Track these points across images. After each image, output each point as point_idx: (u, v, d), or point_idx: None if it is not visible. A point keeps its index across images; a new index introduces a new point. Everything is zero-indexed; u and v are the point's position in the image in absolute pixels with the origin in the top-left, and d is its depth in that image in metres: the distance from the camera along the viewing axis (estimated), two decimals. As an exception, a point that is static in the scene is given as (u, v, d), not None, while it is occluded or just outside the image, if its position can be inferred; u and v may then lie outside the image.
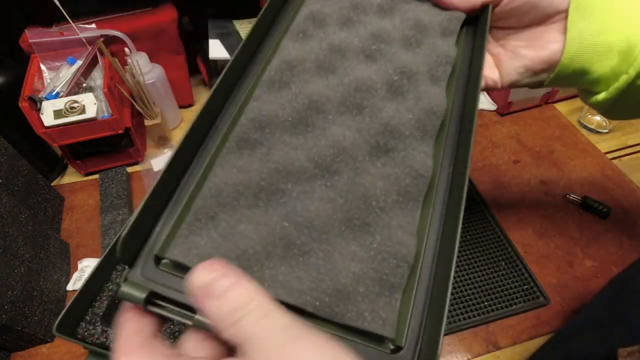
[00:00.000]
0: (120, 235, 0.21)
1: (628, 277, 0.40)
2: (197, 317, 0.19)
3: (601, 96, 0.33)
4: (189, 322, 0.20)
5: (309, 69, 0.32)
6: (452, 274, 0.22)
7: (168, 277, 0.22)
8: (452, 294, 0.57)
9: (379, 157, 0.29)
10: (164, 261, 0.22)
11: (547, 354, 0.46)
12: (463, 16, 0.37)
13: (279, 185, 0.26)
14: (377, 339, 0.22)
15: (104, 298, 0.36)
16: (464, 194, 0.25)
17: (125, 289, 0.20)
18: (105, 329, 0.34)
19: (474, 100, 0.30)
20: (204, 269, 0.17)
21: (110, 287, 0.37)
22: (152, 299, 0.21)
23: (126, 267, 0.22)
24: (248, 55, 0.33)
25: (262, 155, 0.27)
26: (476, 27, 0.38)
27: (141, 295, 0.20)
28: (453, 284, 0.58)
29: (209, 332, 0.18)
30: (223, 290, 0.17)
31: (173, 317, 0.20)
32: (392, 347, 0.22)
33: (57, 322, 0.32)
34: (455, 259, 0.23)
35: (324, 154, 0.28)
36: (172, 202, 0.25)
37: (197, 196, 0.25)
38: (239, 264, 0.22)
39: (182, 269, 0.22)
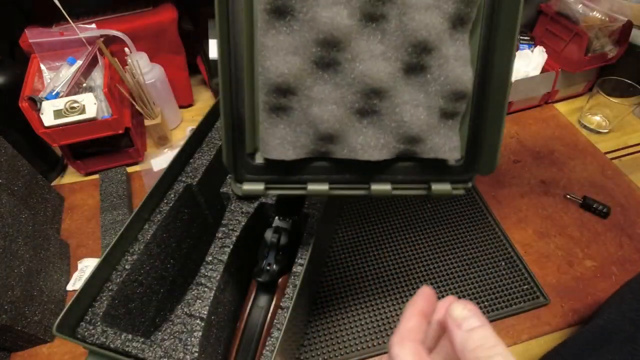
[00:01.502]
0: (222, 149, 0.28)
1: None
2: (309, 186, 0.29)
3: None
4: (303, 192, 0.29)
5: None
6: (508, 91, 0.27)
7: (265, 167, 0.28)
8: (452, 294, 0.57)
9: None
10: (257, 156, 0.29)
11: None
12: None
13: (331, 54, 0.27)
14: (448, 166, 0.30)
15: (104, 298, 0.36)
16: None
17: (246, 187, 0.28)
18: (105, 329, 0.34)
19: None
20: (461, 305, 0.21)
21: (111, 287, 0.37)
22: (272, 185, 0.28)
23: (234, 174, 0.29)
24: None
25: (302, 24, 0.26)
26: None
27: (260, 186, 0.28)
28: (453, 283, 0.58)
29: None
30: (472, 327, 0.20)
31: (290, 192, 0.29)
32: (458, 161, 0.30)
33: (57, 322, 0.32)
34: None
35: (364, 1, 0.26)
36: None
37: (258, 92, 0.26)
38: (324, 143, 0.28)
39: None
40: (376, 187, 0.31)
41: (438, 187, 0.31)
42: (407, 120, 0.28)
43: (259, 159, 0.29)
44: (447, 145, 0.29)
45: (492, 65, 0.28)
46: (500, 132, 0.29)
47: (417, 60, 0.28)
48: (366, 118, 0.29)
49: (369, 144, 0.29)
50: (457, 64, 0.28)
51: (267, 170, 0.29)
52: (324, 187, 0.31)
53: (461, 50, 0.28)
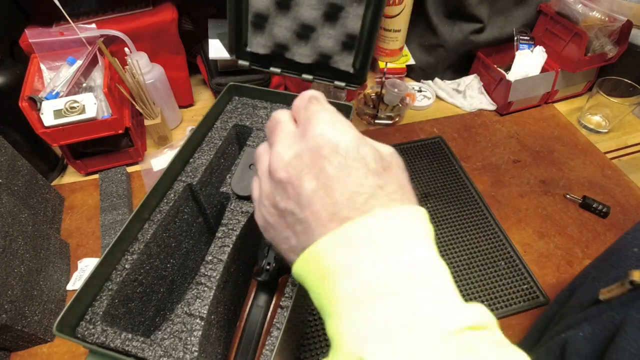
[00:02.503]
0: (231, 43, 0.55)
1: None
2: (270, 68, 0.58)
3: None
4: (267, 70, 0.58)
5: None
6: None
7: (250, 54, 0.56)
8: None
9: None
10: (247, 49, 0.55)
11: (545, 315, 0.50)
12: None
13: (288, 1, 0.50)
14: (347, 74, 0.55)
15: (104, 297, 0.36)
16: None
17: (240, 62, 0.57)
18: (105, 328, 0.34)
19: None
20: (302, 95, 0.28)
21: (111, 287, 0.37)
22: (253, 63, 0.57)
23: (234, 56, 0.57)
24: None
25: None
26: None
27: (246, 63, 0.57)
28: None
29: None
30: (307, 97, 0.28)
31: (259, 69, 0.58)
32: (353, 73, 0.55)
33: (57, 321, 0.32)
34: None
35: None
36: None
37: (248, 14, 0.52)
38: (280, 45, 0.54)
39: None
40: (305, 76, 0.56)
41: (338, 83, 0.56)
42: (323, 45, 0.52)
43: (247, 49, 0.55)
44: (345, 61, 0.53)
45: (370, 20, 0.50)
46: (369, 58, 0.53)
47: (332, 12, 0.50)
48: (302, 39, 0.53)
49: (302, 53, 0.54)
50: (354, 18, 0.50)
51: (251, 56, 0.56)
52: (277, 70, 0.57)
53: (357, 10, 0.49)
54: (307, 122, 0.25)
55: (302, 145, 0.25)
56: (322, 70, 0.55)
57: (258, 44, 0.54)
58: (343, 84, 0.56)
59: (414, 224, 0.23)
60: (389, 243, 0.21)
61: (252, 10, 0.51)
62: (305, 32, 0.52)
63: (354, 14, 0.50)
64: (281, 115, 0.28)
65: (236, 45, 0.56)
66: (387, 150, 0.26)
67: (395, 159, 0.26)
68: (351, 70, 0.54)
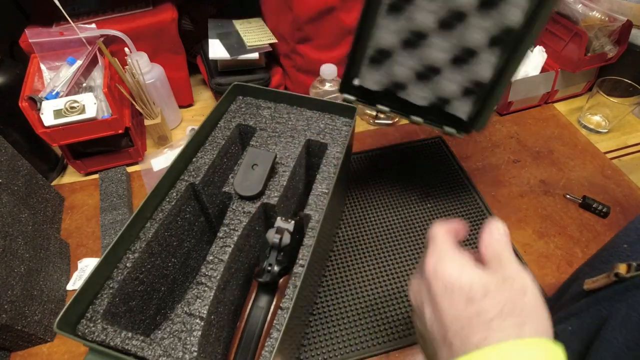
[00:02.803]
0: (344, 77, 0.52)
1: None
2: (378, 105, 0.54)
3: None
4: (373, 107, 0.54)
5: None
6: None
7: (357, 88, 0.52)
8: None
9: (482, 11, 0.44)
10: (355, 80, 0.52)
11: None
12: None
13: (414, 39, 0.46)
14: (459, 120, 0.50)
15: (105, 295, 0.36)
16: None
17: (345, 96, 0.53)
18: (106, 326, 0.34)
19: None
20: (498, 222, 0.31)
21: (112, 285, 0.37)
22: (360, 99, 0.53)
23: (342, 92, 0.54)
24: None
25: (405, 19, 0.46)
26: None
27: (352, 98, 0.53)
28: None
29: None
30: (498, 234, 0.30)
31: (365, 106, 0.54)
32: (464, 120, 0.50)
33: (58, 319, 0.32)
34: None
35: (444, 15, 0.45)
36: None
37: (367, 48, 0.48)
38: (396, 84, 0.50)
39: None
40: (414, 117, 0.52)
41: (448, 129, 0.51)
42: (444, 89, 0.48)
43: (355, 82, 0.52)
44: (462, 108, 0.49)
45: (504, 70, 0.45)
46: (493, 108, 0.49)
47: (462, 57, 0.46)
48: (422, 80, 0.49)
49: (418, 94, 0.50)
50: (485, 65, 0.45)
51: (358, 90, 0.53)
52: (385, 108, 0.53)
53: (491, 58, 0.45)
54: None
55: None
56: (433, 113, 0.51)
57: (371, 80, 0.50)
58: (454, 131, 0.51)
59: None
60: None
61: (375, 45, 0.48)
62: (427, 74, 0.48)
63: (486, 60, 0.45)
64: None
65: (345, 78, 0.52)
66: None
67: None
68: (466, 118, 0.50)
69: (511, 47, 0.44)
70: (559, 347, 0.25)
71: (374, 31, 0.47)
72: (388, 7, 0.46)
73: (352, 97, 0.54)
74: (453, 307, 0.27)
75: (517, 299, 0.27)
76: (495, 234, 0.30)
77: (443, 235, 0.32)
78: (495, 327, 0.25)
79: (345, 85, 0.53)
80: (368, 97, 0.53)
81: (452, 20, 0.44)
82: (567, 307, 0.42)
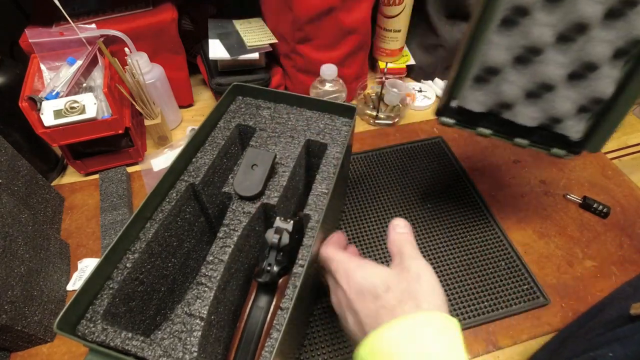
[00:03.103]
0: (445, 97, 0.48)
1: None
2: (478, 129, 0.48)
3: None
4: (473, 131, 0.49)
5: None
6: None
7: (456, 111, 0.47)
8: (452, 294, 0.57)
9: (605, 24, 0.39)
10: (453, 102, 0.47)
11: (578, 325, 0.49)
12: None
13: (528, 55, 0.41)
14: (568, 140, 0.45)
15: (105, 296, 0.36)
16: None
17: (443, 119, 0.49)
18: (105, 327, 0.34)
19: None
20: (398, 219, 0.40)
21: (112, 285, 0.37)
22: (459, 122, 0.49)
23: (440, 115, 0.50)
24: None
25: (519, 34, 0.41)
26: None
27: (451, 121, 0.49)
28: (453, 283, 0.58)
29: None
30: (400, 231, 0.39)
31: (464, 129, 0.49)
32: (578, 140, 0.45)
33: (58, 319, 0.32)
34: None
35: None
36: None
37: (473, 67, 0.44)
38: (502, 104, 0.44)
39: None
40: (518, 140, 0.47)
41: (556, 151, 0.46)
42: (557, 107, 0.43)
43: (453, 104, 0.48)
44: (575, 127, 0.44)
45: (627, 86, 0.41)
46: (614, 128, 0.43)
47: (581, 72, 0.41)
48: (532, 98, 0.44)
49: (526, 114, 0.45)
50: (607, 80, 0.41)
51: (457, 112, 0.49)
52: (487, 131, 0.49)
53: (613, 72, 0.40)
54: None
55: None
56: (539, 134, 0.46)
57: (474, 101, 0.46)
58: (563, 152, 0.46)
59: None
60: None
61: (482, 63, 0.43)
62: (539, 92, 0.43)
63: (608, 75, 0.40)
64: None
65: (445, 101, 0.48)
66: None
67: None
68: (578, 139, 0.45)
69: (637, 59, 0.40)
70: (453, 319, 0.31)
71: (483, 48, 0.43)
72: (501, 22, 0.41)
73: (450, 121, 0.49)
74: (365, 306, 0.33)
75: (413, 286, 0.33)
76: (397, 231, 0.38)
77: (335, 252, 0.38)
78: (398, 312, 0.31)
79: (444, 109, 0.48)
80: (467, 119, 0.49)
81: (572, 34, 0.40)
82: (602, 330, 0.41)
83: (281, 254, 0.42)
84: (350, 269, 0.36)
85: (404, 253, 0.36)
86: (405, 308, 0.31)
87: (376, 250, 0.62)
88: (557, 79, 0.42)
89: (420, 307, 0.31)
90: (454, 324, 0.31)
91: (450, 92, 0.46)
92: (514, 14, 0.40)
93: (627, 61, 0.40)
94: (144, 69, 0.71)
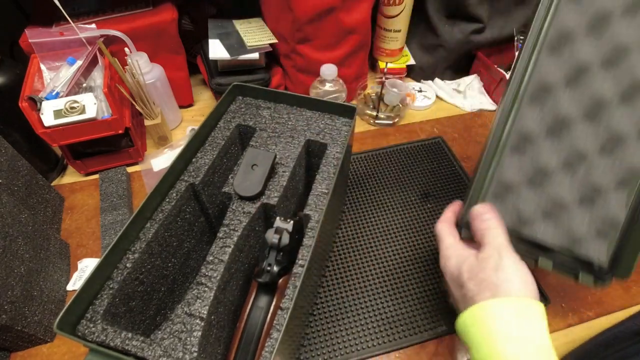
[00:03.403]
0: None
1: None
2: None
3: None
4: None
5: (559, 84, 0.43)
6: None
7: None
8: (452, 293, 0.57)
9: (603, 154, 0.42)
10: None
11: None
12: None
13: (537, 178, 0.44)
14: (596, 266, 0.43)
15: (105, 296, 0.36)
16: None
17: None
18: (105, 327, 0.34)
19: None
20: (480, 206, 0.43)
21: (112, 285, 0.37)
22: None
23: None
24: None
25: (529, 160, 0.44)
26: None
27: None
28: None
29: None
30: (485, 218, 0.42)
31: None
32: (601, 266, 0.42)
33: (58, 320, 0.32)
34: None
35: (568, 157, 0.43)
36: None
37: (492, 185, 0.45)
38: (521, 223, 0.44)
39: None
40: (543, 260, 0.45)
41: (584, 277, 0.43)
42: (574, 228, 0.43)
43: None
44: (597, 251, 0.43)
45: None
46: (637, 254, 0.41)
47: (590, 195, 0.42)
48: (549, 217, 0.44)
49: (545, 231, 0.44)
50: (617, 205, 0.42)
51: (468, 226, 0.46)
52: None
53: (621, 197, 0.41)
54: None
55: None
56: (563, 258, 0.44)
57: None
58: (591, 279, 0.43)
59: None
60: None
61: (497, 181, 0.44)
62: (554, 211, 0.44)
63: (617, 200, 0.42)
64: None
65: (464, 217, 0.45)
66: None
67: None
68: (604, 263, 0.43)
69: None
70: (532, 302, 0.34)
71: (498, 167, 0.45)
72: (513, 148, 0.44)
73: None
74: (456, 291, 0.40)
75: (491, 277, 0.36)
76: (482, 218, 0.41)
77: (444, 231, 0.44)
78: (477, 300, 0.36)
79: (463, 224, 0.46)
80: None
81: (574, 161, 0.43)
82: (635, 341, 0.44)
83: (281, 254, 0.42)
84: (449, 255, 0.41)
85: (485, 242, 0.39)
86: (483, 296, 0.35)
87: (376, 250, 0.62)
88: (569, 199, 0.43)
89: (497, 296, 0.34)
90: (532, 308, 0.34)
91: (468, 209, 0.45)
92: (521, 142, 0.44)
93: (634, 188, 0.41)
94: (144, 69, 0.71)
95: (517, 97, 0.44)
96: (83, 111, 0.63)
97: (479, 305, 0.35)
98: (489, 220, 0.40)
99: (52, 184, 0.72)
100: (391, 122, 0.84)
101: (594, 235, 0.43)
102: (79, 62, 0.67)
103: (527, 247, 0.45)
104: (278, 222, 0.43)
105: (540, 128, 0.43)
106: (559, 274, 0.45)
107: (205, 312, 0.37)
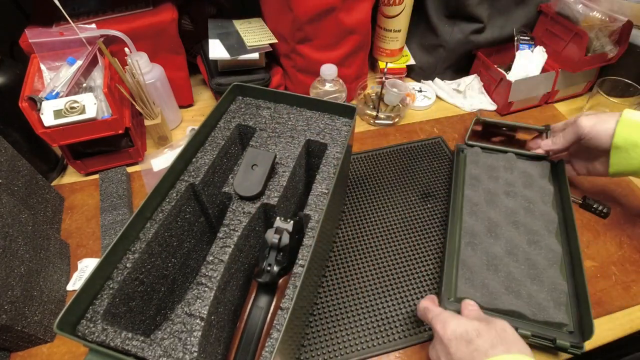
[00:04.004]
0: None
1: None
2: None
3: None
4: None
5: (482, 204, 0.63)
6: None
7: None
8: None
9: (530, 245, 0.58)
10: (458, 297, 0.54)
11: None
12: (549, 164, 0.69)
13: (491, 266, 0.56)
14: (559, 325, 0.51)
15: (105, 296, 0.36)
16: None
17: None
18: (106, 327, 0.34)
19: (570, 210, 0.61)
20: (428, 300, 0.50)
21: (112, 285, 0.37)
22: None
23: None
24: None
25: (481, 252, 0.57)
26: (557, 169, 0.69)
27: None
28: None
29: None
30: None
31: None
32: (566, 330, 0.50)
33: (58, 320, 0.32)
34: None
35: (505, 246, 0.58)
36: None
37: (460, 270, 0.55)
38: (485, 296, 0.53)
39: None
40: (521, 331, 0.49)
41: (561, 343, 0.49)
42: (535, 298, 0.52)
43: (459, 295, 0.54)
44: (558, 317, 0.50)
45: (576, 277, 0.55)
46: (589, 310, 0.49)
47: (535, 273, 0.55)
48: (512, 292, 0.53)
49: (510, 302, 0.52)
50: (556, 276, 0.55)
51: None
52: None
53: (558, 272, 0.55)
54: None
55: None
56: (537, 324, 0.51)
57: (467, 293, 0.53)
58: (567, 344, 0.48)
59: None
60: None
61: (463, 266, 0.56)
62: (515, 287, 0.53)
63: (554, 275, 0.54)
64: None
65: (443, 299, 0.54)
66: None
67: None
68: (570, 328, 0.50)
69: (568, 264, 0.56)
70: None
71: (462, 257, 0.57)
72: (465, 244, 0.58)
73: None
74: (460, 350, 0.39)
75: (501, 335, 0.39)
76: (470, 308, 0.46)
77: (432, 305, 0.47)
78: (491, 354, 0.37)
79: (444, 304, 0.53)
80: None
81: (514, 250, 0.57)
82: None
83: (281, 254, 0.42)
84: (445, 318, 0.43)
85: (483, 318, 0.43)
86: (497, 351, 0.37)
87: (376, 250, 0.62)
88: (521, 276, 0.54)
89: (511, 352, 0.37)
90: None
91: (448, 294, 0.54)
92: (472, 239, 0.59)
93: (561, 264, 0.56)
94: (144, 69, 0.71)
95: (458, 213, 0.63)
96: (83, 111, 0.63)
97: (501, 358, 0.37)
98: (476, 310, 0.46)
99: (52, 184, 0.72)
100: (391, 122, 0.84)
101: (551, 303, 0.51)
102: (79, 62, 0.67)
103: (505, 318, 0.49)
104: (278, 222, 0.43)
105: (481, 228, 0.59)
106: (538, 343, 0.50)
107: (205, 312, 0.37)
